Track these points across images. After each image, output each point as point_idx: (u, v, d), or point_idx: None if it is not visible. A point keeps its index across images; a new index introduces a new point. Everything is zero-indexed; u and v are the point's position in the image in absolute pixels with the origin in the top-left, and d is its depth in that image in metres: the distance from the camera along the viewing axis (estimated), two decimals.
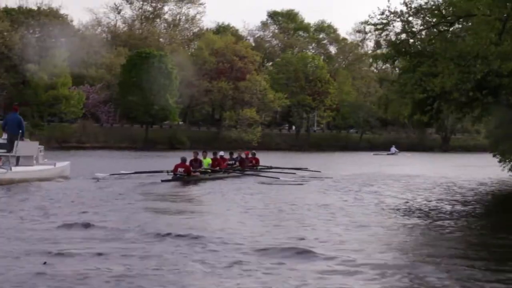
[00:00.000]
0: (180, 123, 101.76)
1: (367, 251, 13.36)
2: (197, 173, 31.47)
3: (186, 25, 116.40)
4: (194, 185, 29.15)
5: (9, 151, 26.63)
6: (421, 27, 20.18)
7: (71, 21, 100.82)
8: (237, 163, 37.08)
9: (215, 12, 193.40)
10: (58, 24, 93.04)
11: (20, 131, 26.90)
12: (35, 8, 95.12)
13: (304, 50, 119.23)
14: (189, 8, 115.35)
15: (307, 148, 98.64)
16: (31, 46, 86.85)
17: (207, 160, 33.70)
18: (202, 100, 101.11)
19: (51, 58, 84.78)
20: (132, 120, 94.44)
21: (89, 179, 29.53)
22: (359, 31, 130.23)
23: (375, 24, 20.51)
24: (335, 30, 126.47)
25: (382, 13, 20.02)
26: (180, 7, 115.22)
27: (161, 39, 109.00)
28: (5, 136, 27.39)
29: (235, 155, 37.73)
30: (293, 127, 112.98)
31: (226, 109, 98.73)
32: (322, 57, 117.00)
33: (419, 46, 20.35)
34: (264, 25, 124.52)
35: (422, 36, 20.41)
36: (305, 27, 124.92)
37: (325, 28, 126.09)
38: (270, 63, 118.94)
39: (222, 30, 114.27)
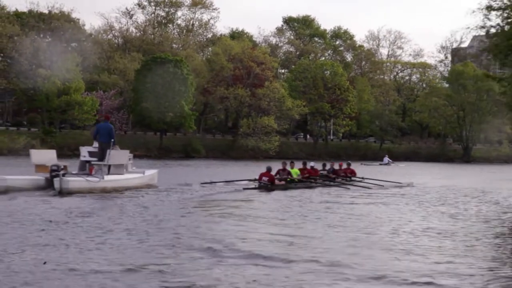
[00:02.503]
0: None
1: None
2: (283, 182, 31.48)
3: (200, 31, 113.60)
4: (275, 193, 28.69)
5: (101, 159, 26.91)
6: None
7: (83, 25, 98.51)
8: (329, 174, 36.36)
9: (229, 18, 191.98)
10: (69, 28, 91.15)
11: (112, 139, 27.09)
12: (46, 12, 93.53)
13: (320, 57, 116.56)
14: (202, 13, 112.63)
15: (326, 157, 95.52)
16: (42, 51, 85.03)
17: (295, 170, 33.23)
18: (218, 107, 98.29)
19: (64, 63, 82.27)
20: (146, 127, 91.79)
21: (176, 187, 29.71)
22: (373, 39, 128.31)
23: (499, 9, 17.56)
24: (351, 37, 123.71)
25: None
26: (193, 12, 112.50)
27: (174, 45, 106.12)
28: (96, 144, 27.67)
29: (327, 166, 36.98)
30: (308, 136, 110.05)
31: (242, 116, 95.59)
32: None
33: None
34: (280, 31, 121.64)
35: None
36: (321, 34, 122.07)
37: (341, 35, 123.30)
38: (285, 70, 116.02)
39: (236, 36, 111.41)
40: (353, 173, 37.65)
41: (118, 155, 27.40)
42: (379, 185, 34.95)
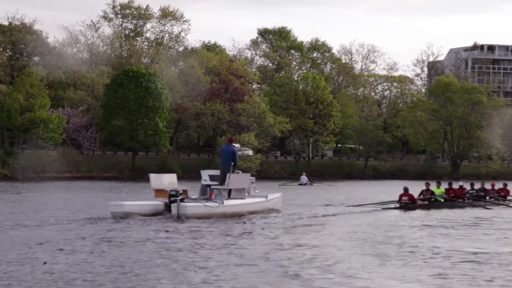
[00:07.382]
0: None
1: None
2: (426, 202, 32.30)
3: (170, 44, 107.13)
4: (414, 212, 30.06)
5: (221, 183, 26.42)
6: None
7: (46, 38, 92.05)
8: (479, 193, 35.66)
9: (200, 31, 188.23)
10: (32, 40, 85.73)
11: (232, 163, 26.43)
12: (6, 23, 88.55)
13: (297, 70, 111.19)
14: (172, 25, 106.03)
15: (309, 176, 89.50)
16: (3, 65, 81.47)
17: (440, 190, 33.63)
18: (192, 124, 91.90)
19: (27, 77, 76.12)
20: (116, 146, 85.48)
21: (300, 211, 30.26)
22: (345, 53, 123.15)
23: None
24: (329, 49, 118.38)
25: None
26: (163, 25, 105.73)
27: (143, 59, 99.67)
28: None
29: (476, 186, 36.26)
30: (285, 154, 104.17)
31: (220, 134, 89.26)
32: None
33: None
34: (255, 43, 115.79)
35: None
36: (298, 46, 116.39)
37: (319, 47, 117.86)
38: (261, 85, 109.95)
39: (210, 48, 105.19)
40: (507, 192, 36.38)
41: (238, 179, 27.04)
42: None
